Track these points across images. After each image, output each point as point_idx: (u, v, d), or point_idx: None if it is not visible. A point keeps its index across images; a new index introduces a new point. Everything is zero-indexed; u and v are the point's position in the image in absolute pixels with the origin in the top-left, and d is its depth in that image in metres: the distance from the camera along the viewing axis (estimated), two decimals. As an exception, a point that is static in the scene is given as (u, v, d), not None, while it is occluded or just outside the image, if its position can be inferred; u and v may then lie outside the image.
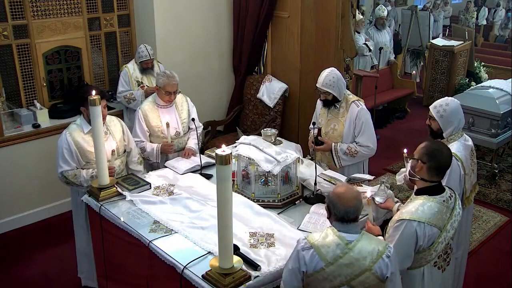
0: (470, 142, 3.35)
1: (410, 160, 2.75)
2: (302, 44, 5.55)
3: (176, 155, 4.18)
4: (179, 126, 4.20)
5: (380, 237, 2.78)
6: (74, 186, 3.70)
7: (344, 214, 2.35)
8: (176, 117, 4.19)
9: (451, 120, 3.24)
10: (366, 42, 8.00)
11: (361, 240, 2.35)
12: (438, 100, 3.33)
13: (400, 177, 3.32)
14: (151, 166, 4.21)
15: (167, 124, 4.01)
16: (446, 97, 3.37)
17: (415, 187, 2.77)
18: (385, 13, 8.69)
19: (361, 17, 8.08)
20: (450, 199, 2.67)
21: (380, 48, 7.95)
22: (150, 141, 4.16)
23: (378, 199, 3.13)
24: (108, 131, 3.70)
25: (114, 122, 3.82)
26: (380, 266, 2.34)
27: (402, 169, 3.34)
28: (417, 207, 2.60)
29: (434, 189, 2.66)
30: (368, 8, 12.38)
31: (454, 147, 3.19)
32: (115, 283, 3.41)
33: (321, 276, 2.32)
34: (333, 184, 3.36)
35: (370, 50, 8.00)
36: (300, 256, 2.36)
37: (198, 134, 4.27)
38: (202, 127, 4.76)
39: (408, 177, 2.78)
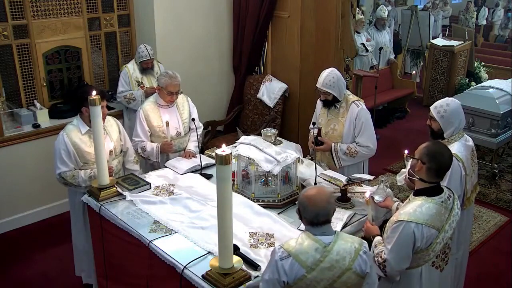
0: (471, 143, 3.35)
1: (410, 160, 2.75)
2: (302, 44, 5.55)
3: (177, 155, 4.19)
4: (180, 126, 4.20)
5: (379, 237, 2.78)
6: (72, 187, 3.70)
7: (314, 217, 2.30)
8: (177, 117, 4.20)
9: (451, 121, 3.24)
10: (367, 42, 8.00)
11: (338, 240, 2.31)
12: (439, 101, 3.32)
13: (401, 178, 3.32)
14: (152, 166, 4.21)
15: (167, 123, 4.01)
16: (447, 98, 3.37)
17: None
18: (386, 14, 8.70)
19: (361, 16, 8.08)
20: (449, 200, 2.66)
21: (380, 48, 7.96)
22: (152, 141, 4.16)
23: (377, 198, 3.13)
24: (105, 131, 3.70)
25: (110, 122, 3.82)
26: (359, 264, 2.31)
27: (403, 170, 3.33)
28: (415, 208, 2.59)
29: (432, 190, 2.65)
30: (368, 8, 12.37)
31: (455, 147, 3.19)
32: (115, 283, 3.41)
33: (304, 283, 2.27)
34: (333, 184, 3.36)
35: (367, 50, 8.00)
36: (278, 266, 2.28)
37: (199, 135, 4.27)
38: (202, 127, 4.76)
39: (407, 176, 2.78)
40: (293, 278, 2.27)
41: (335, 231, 2.37)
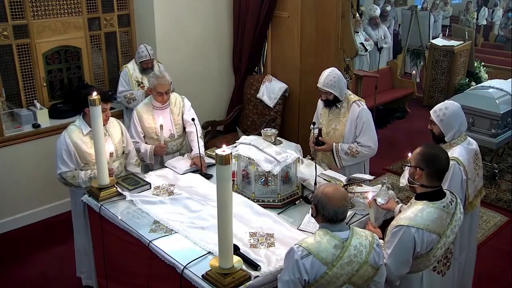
0: (474, 146, 3.29)
1: (407, 168, 2.72)
2: (302, 44, 5.55)
3: (171, 157, 4.18)
4: (173, 128, 4.20)
5: (381, 241, 2.77)
6: (72, 187, 3.70)
7: (333, 215, 2.35)
8: (171, 119, 4.18)
9: (451, 124, 3.20)
10: (366, 42, 8.00)
11: (353, 235, 2.37)
12: (438, 104, 3.29)
13: (404, 180, 3.30)
14: (146, 166, 4.23)
15: (161, 126, 4.01)
16: (446, 101, 3.33)
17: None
18: (377, 12, 8.69)
19: (357, 15, 8.08)
20: (451, 204, 2.63)
21: (380, 48, 7.96)
22: (146, 143, 4.16)
23: (379, 200, 3.11)
24: (107, 133, 3.70)
25: (113, 124, 3.82)
26: (374, 256, 2.38)
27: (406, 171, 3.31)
28: (416, 212, 2.57)
29: (434, 194, 2.62)
30: (367, 8, 12.35)
31: (457, 151, 3.15)
32: (115, 283, 3.41)
33: (325, 281, 2.31)
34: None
35: (366, 50, 7.99)
36: (299, 265, 2.30)
37: (199, 135, 4.13)
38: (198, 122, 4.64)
39: (408, 184, 2.74)
40: (313, 276, 2.31)
41: (349, 226, 2.42)
